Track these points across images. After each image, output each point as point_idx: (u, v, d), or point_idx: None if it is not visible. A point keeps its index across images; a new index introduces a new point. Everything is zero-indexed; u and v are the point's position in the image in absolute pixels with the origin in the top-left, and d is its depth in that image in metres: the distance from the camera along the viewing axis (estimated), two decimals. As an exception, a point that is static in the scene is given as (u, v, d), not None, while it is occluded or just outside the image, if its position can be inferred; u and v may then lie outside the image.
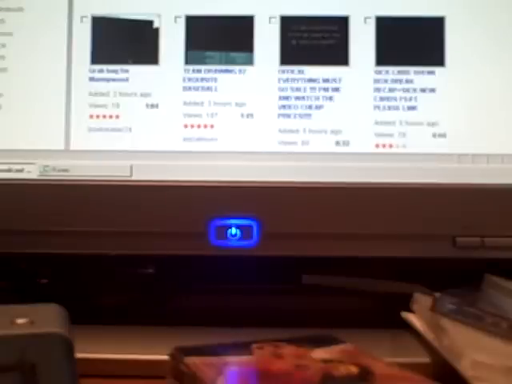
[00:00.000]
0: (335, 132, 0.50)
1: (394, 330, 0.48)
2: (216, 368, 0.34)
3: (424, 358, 0.43)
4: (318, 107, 0.50)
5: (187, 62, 0.50)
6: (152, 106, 0.50)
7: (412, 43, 0.50)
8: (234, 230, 0.49)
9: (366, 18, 0.50)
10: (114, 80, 0.50)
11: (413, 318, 0.45)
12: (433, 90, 0.50)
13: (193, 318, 0.50)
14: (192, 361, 0.35)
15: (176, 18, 0.50)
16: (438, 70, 0.50)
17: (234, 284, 0.55)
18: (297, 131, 0.50)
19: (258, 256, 0.49)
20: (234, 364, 0.36)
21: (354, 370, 0.34)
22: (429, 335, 0.41)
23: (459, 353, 0.35)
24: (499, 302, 0.44)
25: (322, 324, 0.45)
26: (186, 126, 0.50)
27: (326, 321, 0.46)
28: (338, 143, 0.50)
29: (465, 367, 0.34)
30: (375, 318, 0.51)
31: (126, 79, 0.50)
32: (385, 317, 0.50)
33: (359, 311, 0.55)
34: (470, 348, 0.35)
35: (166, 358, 0.39)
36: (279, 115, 0.50)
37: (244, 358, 0.36)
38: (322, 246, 0.49)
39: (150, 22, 0.50)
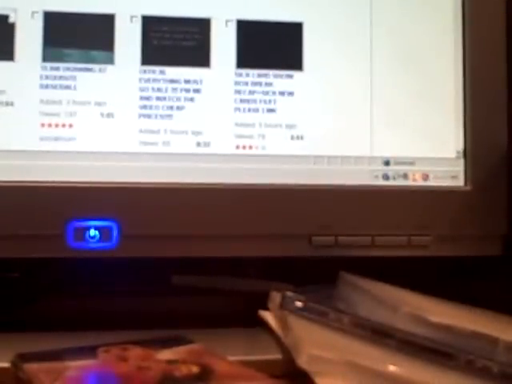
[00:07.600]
0: (196, 133, 0.50)
1: (253, 329, 0.49)
2: (55, 373, 0.34)
3: (276, 355, 0.44)
4: (179, 108, 0.50)
5: (45, 59, 0.49)
6: (7, 103, 0.48)
7: (272, 47, 0.52)
8: (93, 232, 0.48)
9: (227, 21, 0.51)
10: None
11: (268, 316, 0.46)
12: (291, 94, 0.51)
13: (54, 323, 0.48)
14: (31, 367, 0.35)
15: (33, 13, 0.49)
16: (296, 73, 0.51)
17: (96, 286, 0.54)
18: (158, 132, 0.50)
19: (119, 257, 0.49)
20: (77, 368, 0.35)
21: (194, 369, 0.34)
22: (279, 332, 0.42)
23: (299, 348, 0.37)
24: (352, 298, 0.46)
25: (183, 325, 0.44)
26: (42, 125, 0.49)
27: (187, 322, 0.45)
28: (198, 144, 0.50)
29: (302, 362, 0.35)
30: (237, 317, 0.51)
31: (-20, 75, 0.48)
32: (246, 316, 0.51)
33: (222, 311, 0.55)
34: (309, 343, 0.37)
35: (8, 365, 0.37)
36: (140, 115, 0.50)
37: (88, 362, 0.36)
38: (181, 247, 0.49)
39: (6, 17, 0.48)
